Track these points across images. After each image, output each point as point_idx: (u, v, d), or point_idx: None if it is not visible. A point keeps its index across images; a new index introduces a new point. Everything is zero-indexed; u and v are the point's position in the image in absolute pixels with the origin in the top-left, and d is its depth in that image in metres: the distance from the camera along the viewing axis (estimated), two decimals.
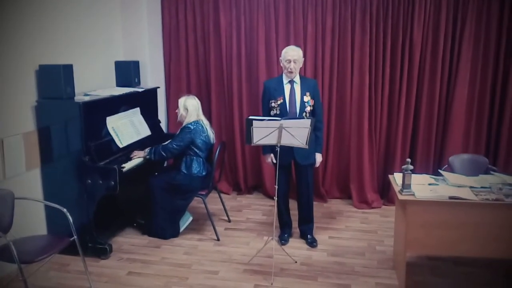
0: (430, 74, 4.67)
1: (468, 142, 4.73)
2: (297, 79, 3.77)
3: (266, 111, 3.81)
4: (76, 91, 3.82)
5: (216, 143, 4.94)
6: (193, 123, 3.99)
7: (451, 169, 3.82)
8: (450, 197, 3.03)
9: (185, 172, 4.00)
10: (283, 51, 3.74)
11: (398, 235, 3.50)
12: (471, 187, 3.20)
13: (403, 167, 3.14)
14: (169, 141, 4.10)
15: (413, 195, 3.09)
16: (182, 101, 4.07)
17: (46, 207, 3.74)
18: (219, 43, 5.05)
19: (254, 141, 3.37)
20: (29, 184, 3.62)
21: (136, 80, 4.70)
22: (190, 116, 4.02)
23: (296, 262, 3.67)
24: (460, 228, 3.06)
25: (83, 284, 3.31)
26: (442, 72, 4.65)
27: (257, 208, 4.90)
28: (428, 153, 4.82)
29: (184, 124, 4.02)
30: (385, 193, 5.01)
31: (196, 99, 4.13)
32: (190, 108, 4.02)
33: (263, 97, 3.86)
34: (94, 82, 4.39)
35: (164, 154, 3.95)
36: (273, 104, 3.76)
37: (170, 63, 5.22)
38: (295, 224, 4.15)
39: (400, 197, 3.11)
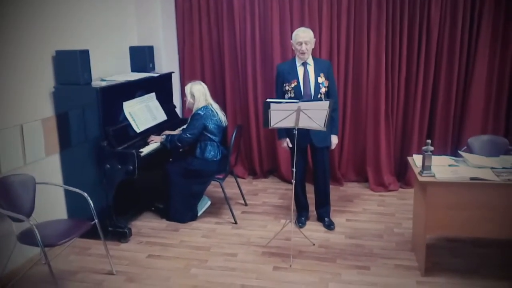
0: (448, 54, 4.58)
1: (487, 123, 4.65)
2: (310, 60, 3.74)
3: (280, 95, 3.78)
4: (93, 76, 3.83)
5: (231, 127, 4.94)
6: (202, 109, 3.97)
7: (470, 151, 3.76)
8: (472, 178, 2.99)
9: (201, 157, 4.01)
10: (294, 34, 3.70)
11: (417, 217, 3.48)
12: (492, 168, 3.15)
13: (423, 148, 3.10)
14: (181, 129, 4.11)
15: (434, 176, 3.06)
16: (188, 88, 4.05)
17: (66, 192, 3.78)
18: (233, 26, 5.01)
19: (272, 124, 3.35)
20: (49, 170, 3.66)
21: (151, 65, 4.69)
22: (198, 102, 4.00)
23: (314, 244, 3.68)
24: (481, 209, 3.03)
25: (104, 267, 3.37)
26: (461, 52, 4.56)
27: (273, 192, 4.90)
28: (446, 134, 4.76)
29: (193, 111, 4.01)
30: (402, 176, 4.97)
31: (202, 84, 4.11)
32: (196, 94, 4.00)
33: (277, 80, 3.83)
34: (109, 67, 4.39)
35: (179, 144, 3.96)
36: (287, 88, 3.73)
37: (184, 47, 5.20)
38: (312, 207, 4.15)
39: (420, 178, 3.08)
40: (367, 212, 4.34)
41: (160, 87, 4.66)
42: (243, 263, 3.44)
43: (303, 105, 3.25)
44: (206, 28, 5.12)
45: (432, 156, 3.13)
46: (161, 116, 4.43)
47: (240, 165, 5.34)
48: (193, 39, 5.16)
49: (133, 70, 4.70)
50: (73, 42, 3.86)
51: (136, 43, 4.85)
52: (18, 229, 3.00)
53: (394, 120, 4.87)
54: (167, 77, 4.79)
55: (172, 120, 4.58)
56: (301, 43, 3.61)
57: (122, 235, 3.78)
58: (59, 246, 3.02)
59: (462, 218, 3.07)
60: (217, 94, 5.23)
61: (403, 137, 4.94)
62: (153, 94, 4.47)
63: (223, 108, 5.13)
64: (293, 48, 3.72)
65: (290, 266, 3.37)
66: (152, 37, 4.87)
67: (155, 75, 4.47)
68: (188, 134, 3.93)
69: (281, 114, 3.28)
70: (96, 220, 3.18)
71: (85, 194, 3.18)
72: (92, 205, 3.17)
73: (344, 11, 4.69)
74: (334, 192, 4.76)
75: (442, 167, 3.20)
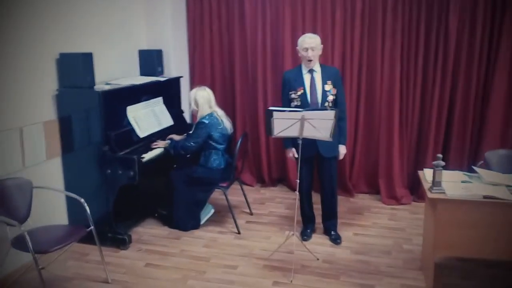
0: (467, 63, 4.37)
1: (507, 137, 4.40)
2: (316, 67, 3.61)
3: (286, 103, 3.66)
4: (100, 80, 3.80)
5: (240, 133, 4.85)
6: (207, 117, 3.87)
7: (487, 166, 3.56)
8: (485, 196, 2.80)
9: (205, 165, 3.93)
10: (300, 40, 3.58)
11: (427, 235, 3.31)
12: (507, 185, 2.95)
13: (433, 163, 2.93)
14: (185, 135, 4.04)
15: (444, 193, 2.88)
16: (192, 94, 3.96)
17: (67, 196, 3.72)
18: (244, 31, 4.92)
19: (275, 133, 3.24)
20: (50, 174, 3.61)
21: (160, 69, 4.64)
22: (202, 109, 3.90)
23: (318, 259, 3.53)
24: (494, 229, 2.84)
25: (100, 275, 3.29)
26: (480, 61, 4.34)
27: (281, 201, 4.77)
28: (463, 148, 4.54)
29: (198, 119, 3.91)
30: (415, 189, 4.77)
31: (207, 90, 4.00)
32: (200, 100, 3.89)
33: (283, 88, 3.71)
34: (118, 71, 4.35)
35: (182, 152, 3.89)
36: (293, 96, 3.60)
37: (195, 52, 5.13)
38: (318, 219, 4.00)
39: (430, 195, 2.91)
40: (377, 226, 4.16)
41: (169, 91, 4.59)
42: (243, 276, 3.32)
43: (307, 114, 3.12)
44: (217, 33, 5.04)
45: (445, 171, 2.97)
46: (167, 121, 4.36)
47: (249, 173, 5.23)
48: (203, 43, 5.09)
49: (142, 74, 4.65)
50: (81, 45, 3.83)
51: (145, 46, 4.80)
52: (13, 233, 2.94)
53: (409, 130, 4.68)
54: (176, 81, 4.71)
55: (179, 125, 4.50)
56: (307, 49, 3.49)
57: (121, 242, 3.70)
58: (54, 252, 2.95)
59: (474, 238, 2.89)
60: (227, 100, 5.15)
61: (418, 148, 4.74)
62: (160, 98, 4.40)
63: (232, 114, 5.05)
64: (299, 54, 3.59)
65: (291, 281, 3.23)
66: (161, 41, 4.81)
67: (162, 79, 4.40)
68: (192, 143, 3.85)
69: (285, 123, 3.16)
70: (92, 227, 3.10)
71: (82, 200, 3.11)
72: (88, 211, 3.10)
73: (358, 17, 4.54)
74: (344, 203, 4.62)
75: (454, 183, 3.02)
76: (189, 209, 4.03)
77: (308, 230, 3.92)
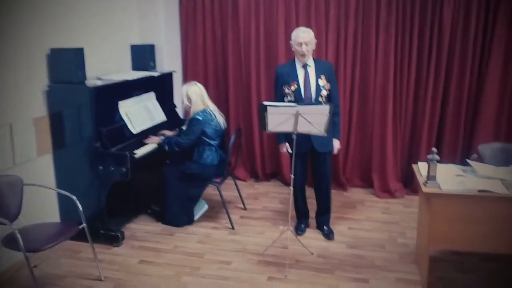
0: (460, 57, 4.37)
1: (500, 130, 4.42)
2: (310, 62, 3.58)
3: (280, 98, 3.63)
4: (91, 75, 3.73)
5: (233, 128, 4.82)
6: (200, 113, 3.84)
7: (480, 159, 3.56)
8: (479, 191, 2.80)
9: (198, 161, 3.90)
10: (293, 34, 3.54)
11: (421, 228, 3.31)
12: (502, 179, 2.96)
13: (428, 156, 2.92)
14: (178, 131, 4.00)
15: (439, 187, 2.88)
16: (184, 90, 3.93)
17: (59, 193, 3.68)
18: (237, 26, 4.87)
19: (269, 128, 3.21)
20: (42, 171, 3.56)
21: (152, 64, 4.58)
22: (195, 105, 3.87)
23: (312, 254, 3.53)
24: (489, 223, 2.84)
25: (93, 272, 3.26)
26: (474, 55, 4.34)
27: (274, 196, 4.76)
28: (456, 141, 4.55)
29: (191, 115, 3.89)
30: (409, 182, 4.78)
31: (199, 85, 3.97)
32: (193, 96, 3.87)
33: (276, 83, 3.68)
34: (110, 66, 4.29)
35: (176, 148, 3.85)
36: (286, 91, 3.57)
37: (187, 47, 5.07)
38: (312, 213, 3.99)
39: (424, 189, 2.91)
40: (371, 220, 4.16)
41: (161, 86, 4.55)
42: (237, 272, 3.30)
43: (301, 109, 3.09)
44: (210, 27, 4.99)
45: (439, 165, 2.96)
46: (160, 117, 4.32)
47: (242, 168, 5.20)
48: (196, 38, 5.03)
49: (134, 69, 4.60)
50: (72, 39, 3.77)
51: (138, 41, 4.74)
52: (4, 232, 2.90)
53: (402, 124, 4.68)
54: (168, 76, 4.67)
55: (172, 121, 4.46)
56: (301, 44, 3.46)
57: (114, 239, 3.67)
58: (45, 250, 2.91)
59: (468, 232, 2.89)
60: (220, 94, 5.11)
61: (411, 142, 4.75)
62: (152, 93, 4.36)
63: (226, 109, 5.02)
64: (293, 49, 3.56)
65: (286, 276, 3.22)
66: (154, 36, 4.76)
67: (155, 74, 4.35)
68: (185, 139, 3.83)
69: (279, 118, 3.13)
70: (84, 224, 3.07)
71: (74, 197, 3.06)
72: (80, 208, 3.06)
73: (352, 11, 4.52)
74: (338, 197, 4.61)
75: (448, 177, 3.02)
76: (183, 205, 4.00)
77: (302, 225, 3.92)
